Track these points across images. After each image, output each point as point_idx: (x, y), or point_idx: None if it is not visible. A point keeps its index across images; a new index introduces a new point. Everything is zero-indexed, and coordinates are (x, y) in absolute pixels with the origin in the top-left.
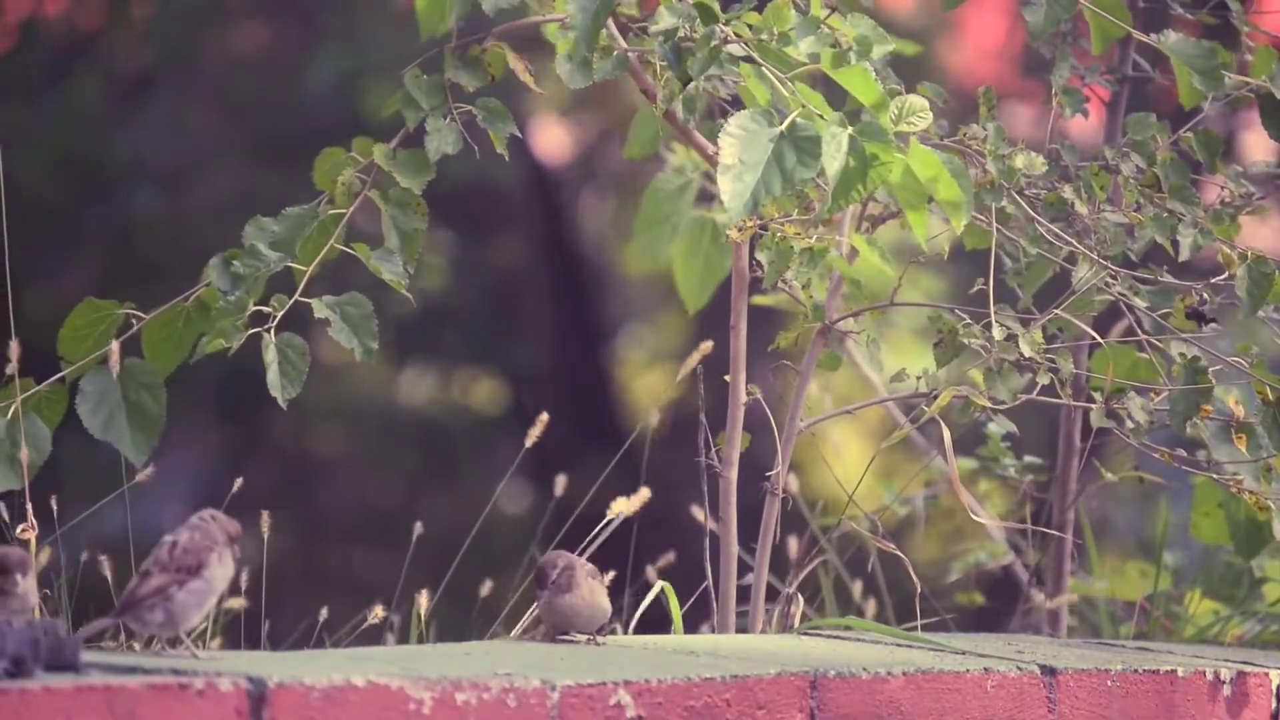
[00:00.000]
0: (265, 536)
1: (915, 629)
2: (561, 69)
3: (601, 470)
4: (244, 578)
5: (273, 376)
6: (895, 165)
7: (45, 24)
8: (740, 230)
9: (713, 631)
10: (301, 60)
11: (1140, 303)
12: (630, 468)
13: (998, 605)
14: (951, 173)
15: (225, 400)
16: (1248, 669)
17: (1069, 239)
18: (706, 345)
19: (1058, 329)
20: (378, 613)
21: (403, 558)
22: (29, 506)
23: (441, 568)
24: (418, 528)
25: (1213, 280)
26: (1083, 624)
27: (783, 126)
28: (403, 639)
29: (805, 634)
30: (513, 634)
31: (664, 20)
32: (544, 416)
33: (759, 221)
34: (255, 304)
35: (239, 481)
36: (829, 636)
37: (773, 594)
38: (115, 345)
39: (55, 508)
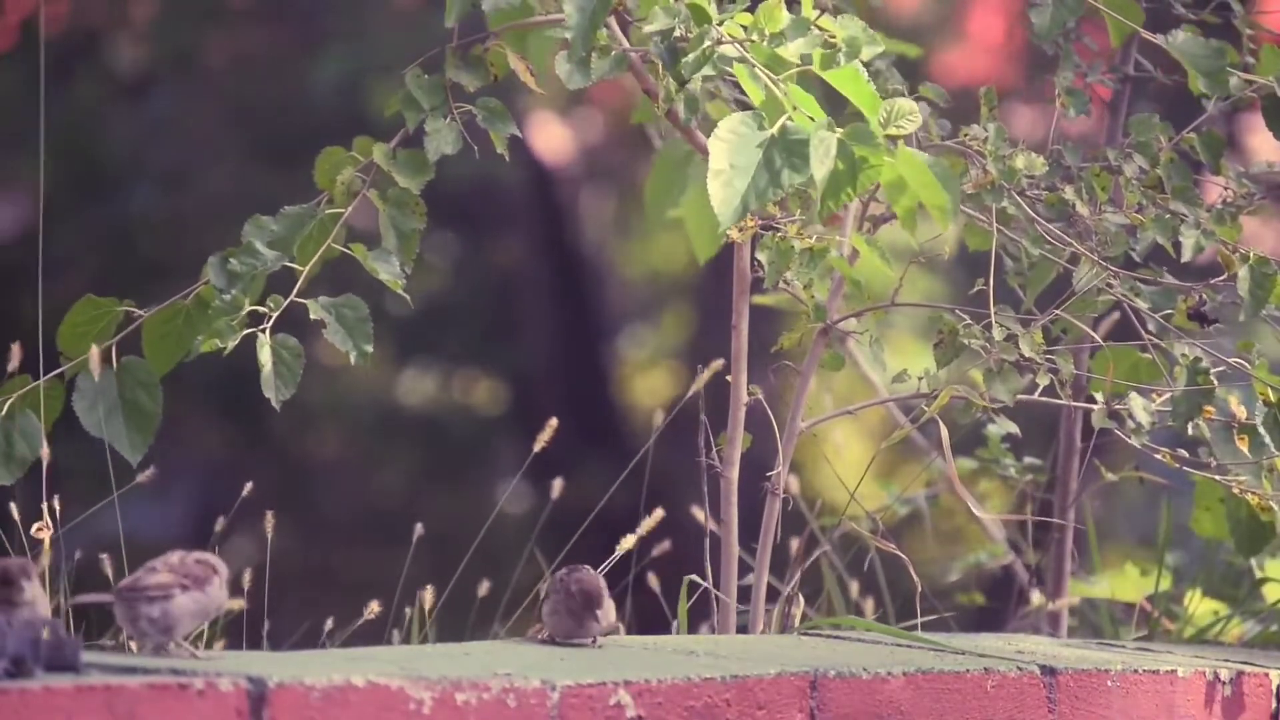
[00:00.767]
0: (269, 537)
1: (915, 629)
2: (560, 69)
3: (601, 470)
4: (246, 578)
5: (266, 377)
6: (884, 169)
7: (46, 24)
8: (741, 230)
9: (713, 631)
10: (303, 60)
11: (1141, 304)
12: (631, 469)
13: (998, 605)
14: (938, 177)
15: (225, 400)
16: (1247, 669)
17: (1069, 240)
18: (717, 364)
19: (1061, 330)
20: (373, 608)
21: (402, 557)
22: (44, 505)
23: (441, 567)
24: (418, 529)
25: (1212, 281)
26: (1083, 624)
27: (773, 130)
28: (405, 638)
29: (805, 634)
30: (528, 632)
31: (658, 20)
32: (552, 421)
33: (760, 221)
34: (252, 304)
35: (249, 486)
36: (829, 636)
37: (773, 594)
38: (94, 351)
39: (58, 508)
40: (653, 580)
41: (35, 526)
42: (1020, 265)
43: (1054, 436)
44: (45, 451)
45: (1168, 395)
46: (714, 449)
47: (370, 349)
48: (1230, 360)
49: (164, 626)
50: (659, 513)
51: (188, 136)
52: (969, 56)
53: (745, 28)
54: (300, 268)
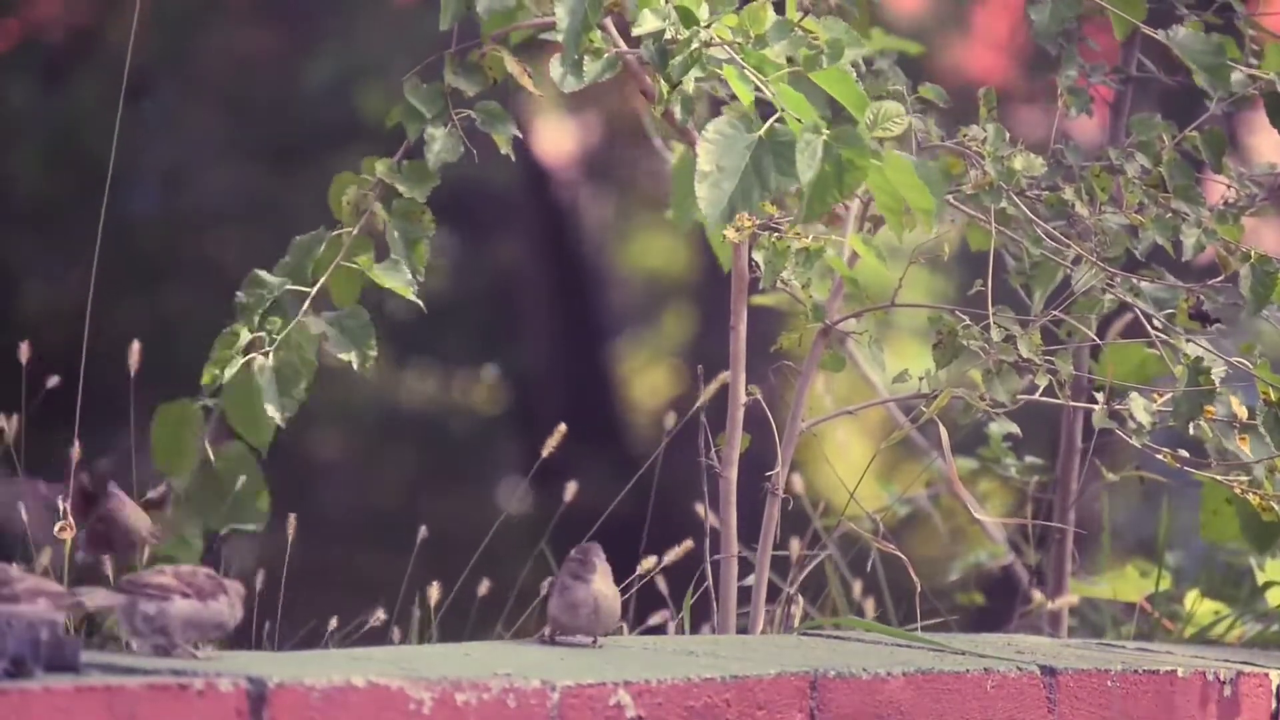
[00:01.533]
0: (290, 536)
1: (915, 629)
2: (554, 72)
3: (601, 471)
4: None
5: (270, 396)
6: (871, 171)
7: (45, 24)
8: (738, 230)
9: (713, 632)
10: (300, 61)
11: (1141, 304)
12: (632, 469)
13: (998, 605)
14: (923, 179)
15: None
16: (1247, 669)
17: (1068, 240)
18: (724, 375)
19: (1067, 333)
20: (378, 615)
21: (402, 558)
22: (64, 506)
23: (441, 567)
24: (422, 531)
25: (1210, 281)
26: (1083, 624)
27: (760, 131)
28: (405, 638)
29: (805, 634)
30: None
31: (648, 22)
32: (561, 427)
33: (758, 221)
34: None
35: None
36: (829, 637)
37: (775, 593)
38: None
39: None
40: (661, 584)
41: (58, 527)
42: (1022, 265)
43: (1055, 436)
44: (76, 452)
45: (1169, 396)
46: (713, 449)
47: (374, 355)
48: (1232, 360)
49: (158, 627)
50: (688, 543)
51: (185, 136)
52: (976, 55)
53: (732, 29)
54: (306, 289)
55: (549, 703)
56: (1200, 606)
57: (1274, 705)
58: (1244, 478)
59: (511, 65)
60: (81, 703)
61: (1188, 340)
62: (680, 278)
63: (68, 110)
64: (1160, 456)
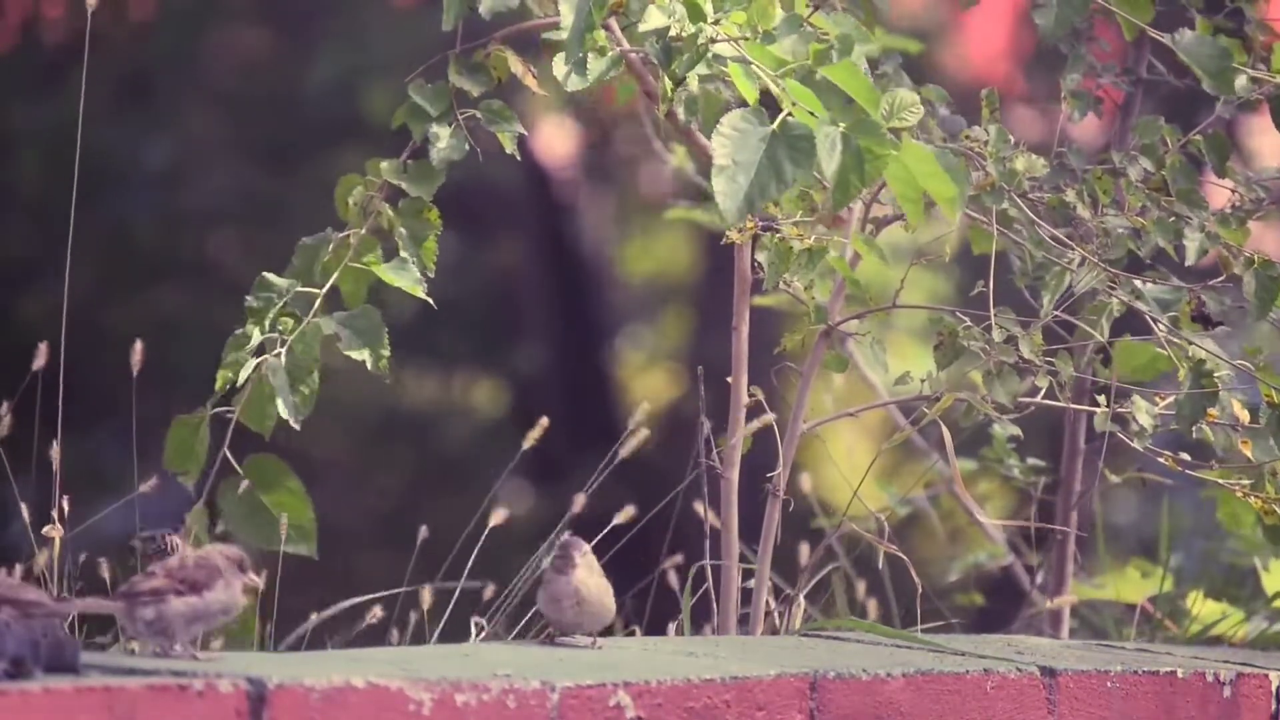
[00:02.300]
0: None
1: (916, 630)
2: (557, 71)
3: (601, 470)
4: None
5: (284, 399)
6: (890, 161)
7: (45, 24)
8: (740, 231)
9: (714, 632)
10: (301, 61)
11: (1143, 306)
12: (632, 470)
13: (1000, 606)
14: (945, 167)
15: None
16: (1247, 670)
17: (1069, 242)
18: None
19: (1078, 336)
20: (375, 613)
21: (400, 559)
22: (54, 510)
23: (440, 569)
24: (423, 532)
25: (1210, 283)
26: (1083, 626)
27: (774, 126)
28: (402, 638)
29: (805, 635)
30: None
31: (653, 19)
32: (544, 420)
33: (760, 222)
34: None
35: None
36: (829, 638)
37: (776, 594)
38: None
39: (67, 509)
40: (672, 581)
41: (46, 529)
42: (1026, 266)
43: (1056, 437)
44: (56, 453)
45: (1171, 399)
46: (715, 450)
47: (387, 354)
48: (1235, 362)
49: (159, 629)
50: (697, 565)
51: (187, 137)
52: (974, 55)
53: (739, 25)
54: (315, 290)
55: (549, 703)
56: (1204, 608)
57: (1274, 706)
58: (1246, 481)
59: (516, 65)
60: (81, 703)
61: (1191, 344)
62: (680, 278)
63: (67, 111)
64: (1162, 460)
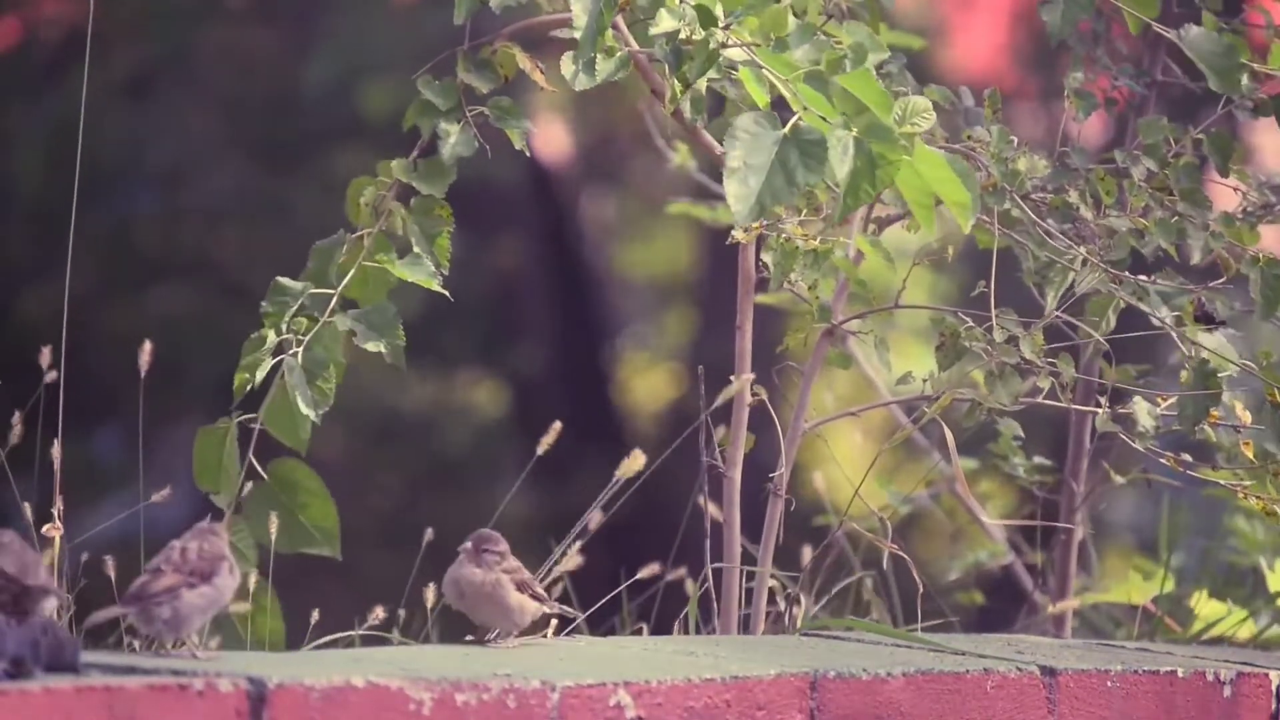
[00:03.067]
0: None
1: (916, 629)
2: (566, 70)
3: (602, 470)
4: (251, 579)
5: (303, 397)
6: (902, 166)
7: (45, 24)
8: (746, 231)
9: (714, 632)
10: (300, 60)
11: (1145, 306)
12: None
13: (1001, 605)
14: (957, 173)
15: (224, 402)
16: (1247, 670)
17: (1071, 242)
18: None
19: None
20: (378, 613)
21: (403, 559)
22: (55, 509)
23: (440, 569)
24: (428, 533)
25: (1212, 284)
26: (1084, 625)
27: (785, 129)
28: (406, 639)
29: (806, 635)
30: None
31: (664, 22)
32: (556, 425)
33: (765, 222)
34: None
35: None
36: (829, 637)
37: (777, 594)
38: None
39: (63, 508)
40: (689, 586)
41: (46, 527)
42: (1031, 264)
43: (1058, 437)
44: (57, 452)
45: (1172, 400)
46: (717, 449)
47: (402, 343)
48: (1241, 362)
49: (175, 625)
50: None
51: (186, 136)
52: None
53: (752, 32)
54: (330, 291)
55: (549, 703)
56: (1207, 608)
57: (1274, 705)
58: (1247, 482)
59: (524, 61)
60: (81, 703)
61: (1193, 345)
62: (681, 278)
63: (68, 110)
64: (1164, 461)
